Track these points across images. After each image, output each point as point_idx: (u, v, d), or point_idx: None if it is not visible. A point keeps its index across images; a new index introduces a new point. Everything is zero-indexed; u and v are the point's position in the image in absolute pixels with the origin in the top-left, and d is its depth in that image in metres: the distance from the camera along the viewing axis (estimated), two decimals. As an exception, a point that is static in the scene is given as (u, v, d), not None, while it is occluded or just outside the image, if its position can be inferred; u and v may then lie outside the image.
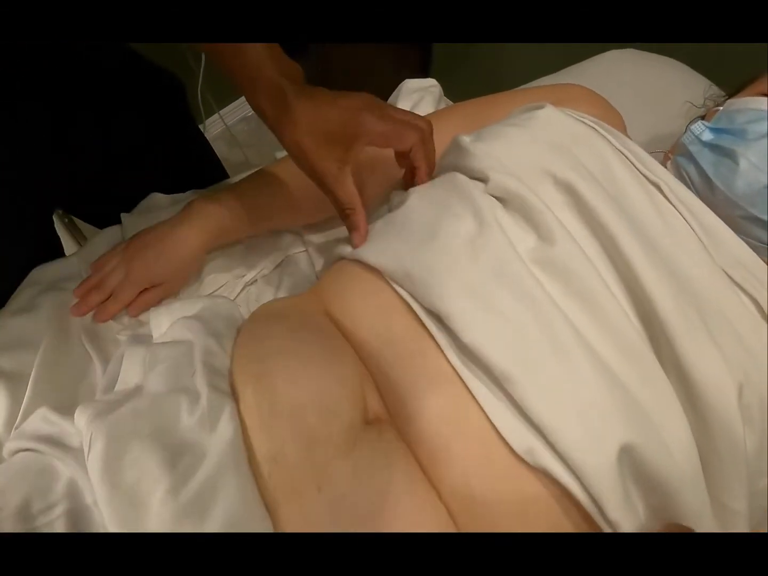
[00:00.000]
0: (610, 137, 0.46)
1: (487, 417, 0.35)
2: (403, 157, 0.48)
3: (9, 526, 0.34)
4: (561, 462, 0.33)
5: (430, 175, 0.48)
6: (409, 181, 0.49)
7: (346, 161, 0.44)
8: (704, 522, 0.33)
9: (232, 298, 0.59)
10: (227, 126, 1.40)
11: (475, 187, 0.43)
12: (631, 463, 0.33)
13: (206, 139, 0.78)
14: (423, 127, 0.46)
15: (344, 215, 0.46)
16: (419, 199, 0.45)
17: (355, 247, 0.45)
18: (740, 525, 0.35)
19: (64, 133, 0.56)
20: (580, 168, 0.42)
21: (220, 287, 0.60)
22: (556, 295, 0.37)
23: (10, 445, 0.40)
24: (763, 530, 0.39)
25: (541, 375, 0.34)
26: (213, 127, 1.42)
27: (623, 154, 0.46)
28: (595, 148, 0.45)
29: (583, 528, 0.34)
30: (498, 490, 0.34)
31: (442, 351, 0.37)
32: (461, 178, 0.44)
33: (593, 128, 0.47)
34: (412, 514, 0.33)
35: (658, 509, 0.33)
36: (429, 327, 0.38)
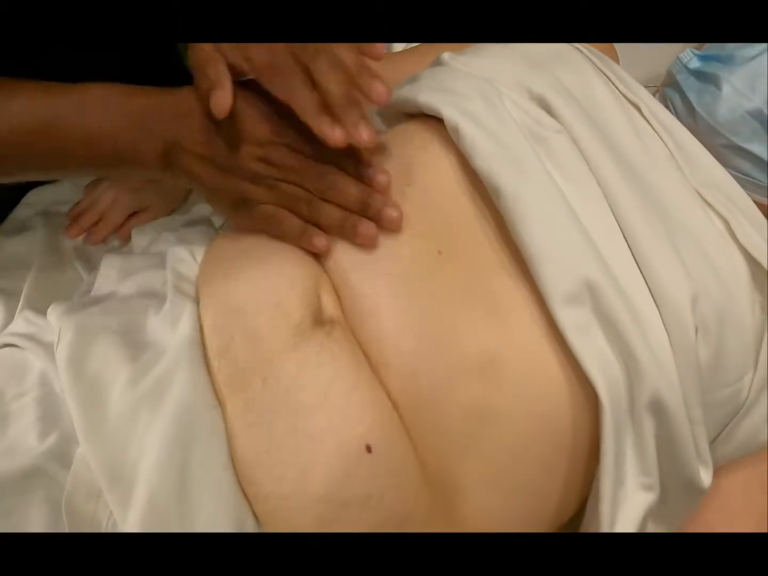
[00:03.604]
0: (593, 57, 0.45)
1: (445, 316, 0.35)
2: None
3: (-15, 411, 0.36)
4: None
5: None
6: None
7: None
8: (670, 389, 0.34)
9: (217, 227, 0.60)
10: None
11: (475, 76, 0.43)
12: (593, 297, 0.34)
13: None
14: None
15: None
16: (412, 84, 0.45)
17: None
18: (698, 432, 0.35)
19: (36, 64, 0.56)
20: (556, 84, 0.42)
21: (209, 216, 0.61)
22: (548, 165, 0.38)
23: (-7, 343, 0.43)
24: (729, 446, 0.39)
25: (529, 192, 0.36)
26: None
27: (605, 75, 0.45)
28: (575, 66, 0.44)
29: (540, 441, 0.35)
30: (447, 389, 0.35)
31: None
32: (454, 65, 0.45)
33: (577, 48, 0.46)
34: (354, 409, 0.34)
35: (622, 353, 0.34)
36: None
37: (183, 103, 0.37)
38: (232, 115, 0.35)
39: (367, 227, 0.36)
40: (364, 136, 0.34)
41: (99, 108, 0.37)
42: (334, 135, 0.34)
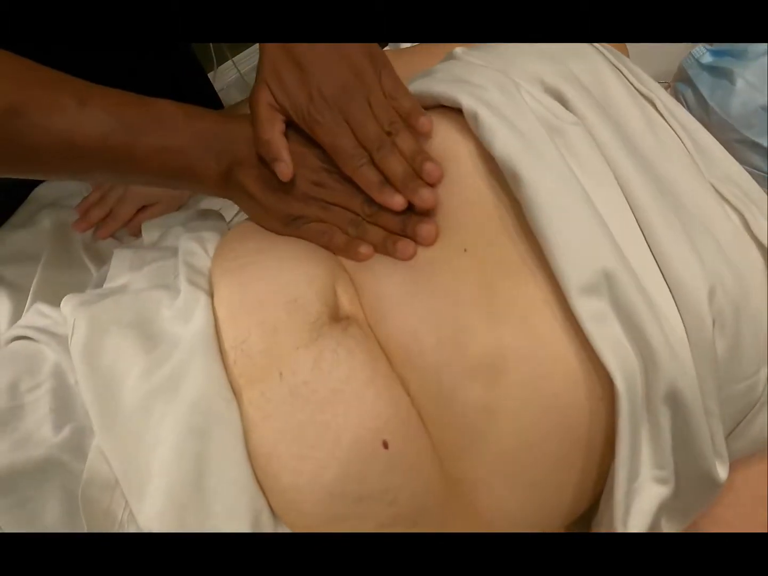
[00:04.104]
0: (605, 52, 0.45)
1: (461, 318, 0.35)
2: None
3: (0, 402, 0.36)
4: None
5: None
6: None
7: None
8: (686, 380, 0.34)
9: (228, 220, 0.60)
10: (241, 73, 1.39)
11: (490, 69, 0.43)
12: (610, 288, 0.34)
13: (204, 72, 0.77)
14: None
15: None
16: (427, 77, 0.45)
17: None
18: (714, 425, 0.35)
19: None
20: (570, 77, 0.42)
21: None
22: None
23: (6, 335, 0.42)
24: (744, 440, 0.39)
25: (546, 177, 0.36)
26: (226, 75, 1.41)
27: (619, 69, 0.45)
28: (588, 60, 0.44)
29: (557, 435, 0.35)
30: (466, 385, 0.35)
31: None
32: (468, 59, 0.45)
33: (590, 44, 0.46)
34: (370, 405, 0.34)
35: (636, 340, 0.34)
36: None
37: (246, 127, 0.41)
38: (289, 144, 0.39)
39: (405, 244, 0.38)
40: (424, 198, 0.38)
41: (176, 124, 0.40)
42: (395, 203, 0.38)
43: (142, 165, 0.40)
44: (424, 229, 0.38)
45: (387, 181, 0.39)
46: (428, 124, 0.40)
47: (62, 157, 0.38)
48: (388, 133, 0.39)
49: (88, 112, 0.38)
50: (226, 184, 0.41)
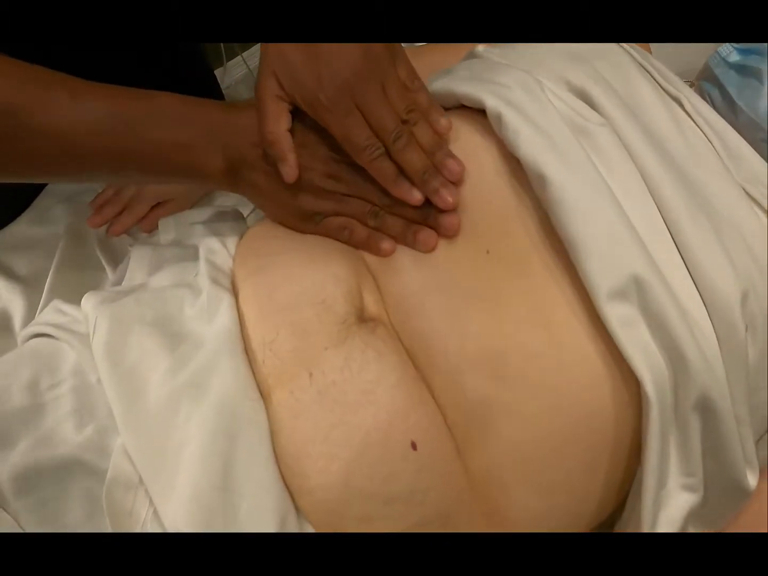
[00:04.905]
0: (631, 51, 0.45)
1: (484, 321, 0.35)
2: None
3: (19, 401, 0.36)
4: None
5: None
6: None
7: None
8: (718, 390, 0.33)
9: (245, 216, 0.60)
10: (250, 69, 1.38)
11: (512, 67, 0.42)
12: (640, 294, 0.33)
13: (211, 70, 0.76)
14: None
15: None
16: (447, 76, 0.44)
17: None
18: (744, 433, 0.35)
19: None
20: (596, 77, 0.41)
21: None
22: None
23: (24, 332, 0.42)
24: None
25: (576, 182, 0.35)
26: (235, 70, 1.41)
27: (645, 69, 0.44)
28: (614, 59, 0.44)
29: (583, 439, 0.35)
30: (490, 388, 0.34)
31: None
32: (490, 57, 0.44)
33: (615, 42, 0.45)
34: (399, 406, 0.33)
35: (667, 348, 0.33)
36: None
37: (253, 118, 0.38)
38: (297, 135, 0.38)
39: (427, 235, 0.37)
40: (446, 200, 0.37)
41: (176, 117, 0.38)
42: (413, 198, 0.37)
43: (142, 162, 0.38)
44: (447, 219, 0.37)
45: (403, 174, 0.37)
46: (448, 125, 0.38)
47: (60, 157, 0.37)
48: (405, 122, 0.37)
49: (82, 109, 0.36)
50: (234, 180, 0.40)
